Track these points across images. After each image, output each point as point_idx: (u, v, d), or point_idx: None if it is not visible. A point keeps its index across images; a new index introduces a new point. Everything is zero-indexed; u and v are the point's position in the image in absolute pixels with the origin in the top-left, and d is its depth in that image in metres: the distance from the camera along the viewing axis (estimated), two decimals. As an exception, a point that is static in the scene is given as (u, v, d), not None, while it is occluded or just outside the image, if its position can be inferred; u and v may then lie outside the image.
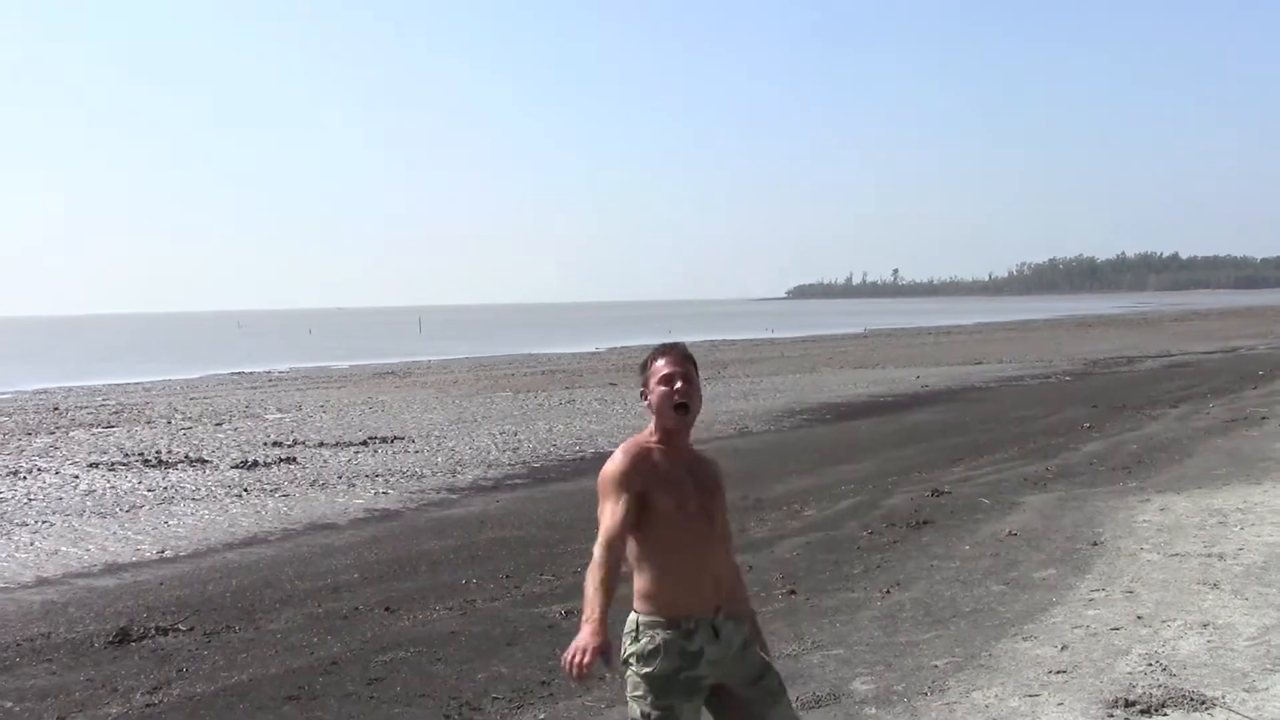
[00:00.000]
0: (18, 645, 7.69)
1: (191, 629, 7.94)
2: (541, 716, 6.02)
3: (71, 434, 21.51)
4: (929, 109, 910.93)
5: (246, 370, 43.57)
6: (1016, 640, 6.81)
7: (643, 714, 3.53)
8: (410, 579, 9.32)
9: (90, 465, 16.88)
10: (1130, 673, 6.03)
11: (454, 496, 13.75)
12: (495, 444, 18.48)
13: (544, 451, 17.48)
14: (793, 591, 8.33)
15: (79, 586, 9.56)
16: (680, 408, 3.69)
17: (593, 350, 54.64)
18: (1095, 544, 9.32)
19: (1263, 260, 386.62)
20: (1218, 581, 7.82)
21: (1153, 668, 6.09)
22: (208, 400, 28.89)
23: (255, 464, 16.55)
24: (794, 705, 3.92)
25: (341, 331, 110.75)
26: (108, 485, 14.96)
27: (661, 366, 3.75)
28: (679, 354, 3.77)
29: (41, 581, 9.82)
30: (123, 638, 7.69)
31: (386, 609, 8.31)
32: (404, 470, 15.80)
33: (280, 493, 14.10)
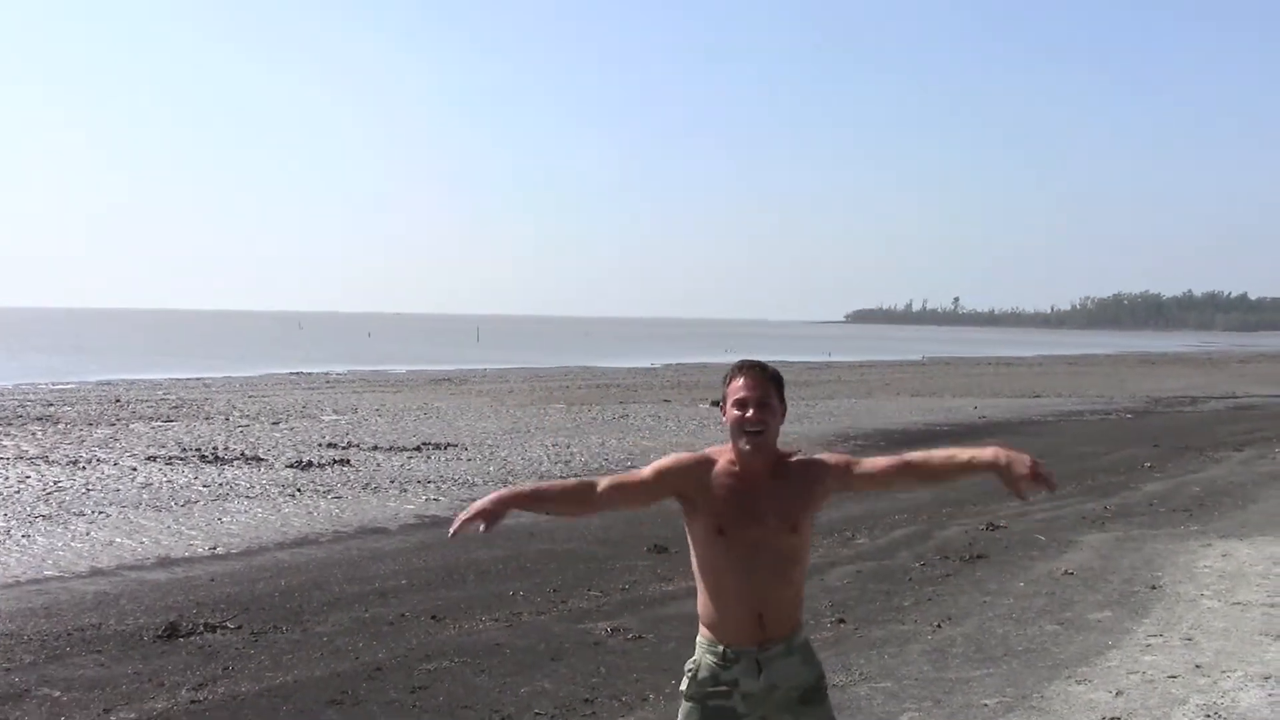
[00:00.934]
0: (69, 635, 7.78)
1: (239, 627, 7.99)
2: (583, 735, 5.98)
3: (131, 426, 21.85)
4: (994, 138, 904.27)
5: (305, 371, 44.16)
6: (1070, 683, 6.67)
7: None
8: (457, 588, 9.32)
9: (148, 458, 17.12)
10: (1187, 723, 5.88)
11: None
12: (547, 455, 18.51)
13: (595, 465, 17.46)
14: (841, 620, 8.22)
15: (131, 579, 9.67)
16: (752, 435, 3.44)
17: (649, 366, 54.62)
18: (1154, 587, 9.13)
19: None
20: (1281, 633, 7.62)
21: (1211, 719, 5.93)
22: (266, 399, 29.25)
23: (310, 464, 16.69)
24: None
25: (401, 336, 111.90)
26: (164, 479, 15.15)
27: (739, 387, 3.47)
28: (758, 375, 3.48)
29: (95, 572, 9.95)
30: (171, 632, 7.76)
31: (433, 617, 8.31)
32: (456, 478, 15.85)
33: (333, 494, 14.20)
